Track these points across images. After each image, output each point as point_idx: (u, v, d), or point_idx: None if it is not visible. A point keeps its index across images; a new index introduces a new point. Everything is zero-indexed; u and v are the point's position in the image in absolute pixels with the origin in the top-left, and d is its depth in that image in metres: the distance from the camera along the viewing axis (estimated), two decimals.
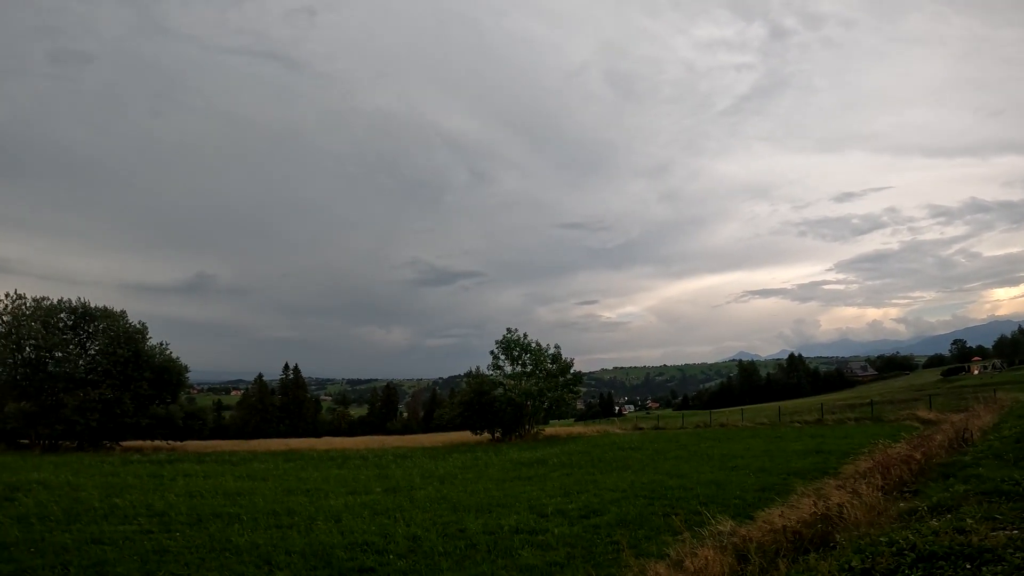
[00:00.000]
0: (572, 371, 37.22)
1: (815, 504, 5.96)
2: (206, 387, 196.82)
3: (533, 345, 37.04)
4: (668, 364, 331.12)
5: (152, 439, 31.21)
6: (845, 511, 5.52)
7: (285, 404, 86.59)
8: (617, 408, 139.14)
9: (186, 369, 33.25)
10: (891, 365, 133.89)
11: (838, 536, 4.92)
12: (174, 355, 32.68)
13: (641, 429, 37.50)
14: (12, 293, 29.81)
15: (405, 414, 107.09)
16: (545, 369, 36.33)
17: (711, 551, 4.98)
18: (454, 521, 9.90)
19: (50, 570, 6.73)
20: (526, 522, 9.64)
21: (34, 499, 10.97)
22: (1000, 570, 3.43)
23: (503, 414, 34.06)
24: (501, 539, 8.60)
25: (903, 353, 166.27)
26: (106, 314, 31.33)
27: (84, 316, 30.89)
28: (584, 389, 53.23)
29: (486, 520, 9.90)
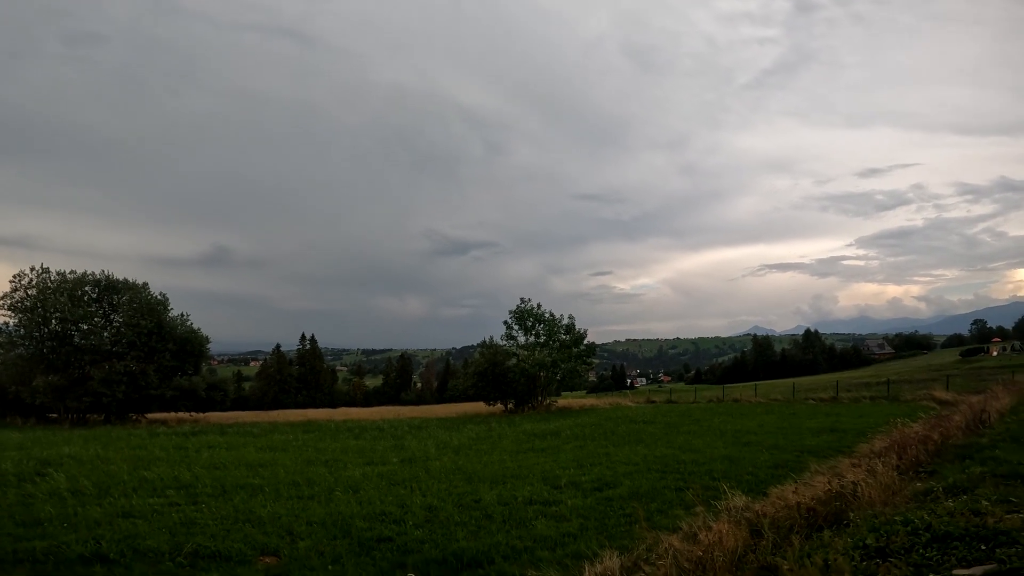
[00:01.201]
0: (585, 342, 37.22)
1: (829, 482, 5.98)
2: (226, 358, 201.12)
3: (547, 315, 36.99)
4: (681, 337, 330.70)
5: (176, 411, 32.02)
6: (860, 490, 5.53)
7: (302, 375, 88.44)
8: (629, 381, 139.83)
9: (207, 340, 33.79)
10: (909, 344, 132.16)
11: (852, 515, 4.94)
12: (195, 326, 33.33)
13: (654, 402, 37.69)
14: (38, 267, 30.38)
15: (419, 384, 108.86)
16: (559, 340, 36.34)
17: (725, 525, 5.03)
18: (469, 492, 10.09)
19: (83, 544, 6.89)
20: (540, 493, 9.81)
21: (66, 474, 11.23)
22: (1014, 552, 3.41)
23: (516, 385, 34.29)
24: (515, 510, 8.77)
25: (923, 332, 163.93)
26: (129, 286, 31.87)
27: (108, 288, 31.44)
28: (597, 361, 53.44)
29: (500, 491, 10.09)
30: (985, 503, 4.44)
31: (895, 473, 6.44)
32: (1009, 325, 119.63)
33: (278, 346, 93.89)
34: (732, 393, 39.61)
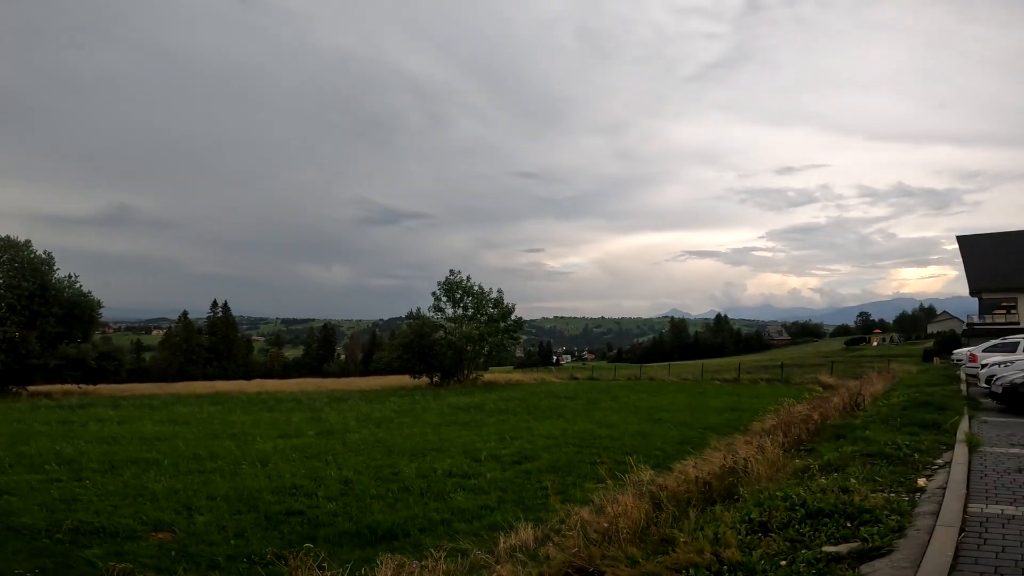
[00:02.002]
0: (513, 317, 37.64)
1: (725, 458, 6.48)
2: (123, 326, 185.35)
3: (476, 288, 36.96)
4: (606, 316, 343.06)
5: (63, 382, 29.24)
6: (750, 465, 6.01)
7: (213, 344, 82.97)
8: (555, 357, 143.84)
9: (99, 305, 31.11)
10: (804, 331, 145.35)
11: (742, 489, 5.37)
12: (85, 289, 30.36)
13: (576, 379, 39.05)
14: None
15: (343, 356, 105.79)
16: (487, 313, 36.47)
17: (630, 498, 5.30)
18: (388, 465, 10.04)
19: None
20: (460, 466, 9.93)
21: None
22: (876, 531, 3.82)
23: (443, 358, 34.22)
24: (435, 483, 8.84)
25: (816, 321, 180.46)
26: (7, 243, 28.40)
27: None
28: (524, 336, 54.37)
29: (420, 464, 10.12)
30: (853, 481, 4.95)
31: (780, 450, 7.06)
32: (890, 318, 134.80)
33: (185, 313, 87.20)
34: (649, 372, 41.91)
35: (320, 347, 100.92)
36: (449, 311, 36.67)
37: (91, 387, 29.86)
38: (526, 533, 6.00)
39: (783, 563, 3.40)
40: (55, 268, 29.53)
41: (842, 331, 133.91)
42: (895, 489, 4.98)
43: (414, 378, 35.50)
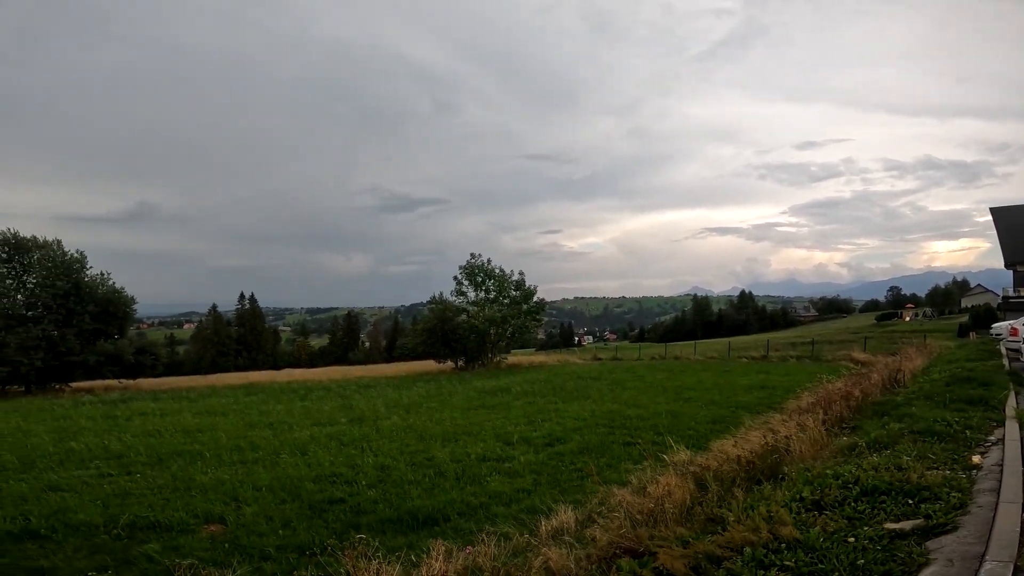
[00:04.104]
0: (535, 298, 37.56)
1: (764, 436, 6.37)
2: (156, 321, 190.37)
3: (497, 271, 36.82)
4: (627, 296, 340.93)
5: (102, 378, 30.27)
6: (792, 444, 5.92)
7: (242, 336, 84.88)
8: (577, 339, 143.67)
9: (133, 301, 31.85)
10: (831, 307, 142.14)
11: (786, 468, 5.29)
12: (118, 286, 31.14)
13: (600, 360, 38.95)
14: None
15: (367, 343, 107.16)
16: (509, 296, 36.37)
17: (673, 478, 5.27)
18: (421, 450, 10.14)
19: (11, 522, 6.57)
20: (492, 450, 9.98)
21: None
22: (938, 508, 3.74)
23: (466, 342, 34.32)
24: (469, 467, 8.89)
25: (843, 296, 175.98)
26: (39, 244, 29.24)
27: (17, 247, 28.78)
28: (546, 318, 54.26)
29: (453, 448, 10.20)
30: (906, 459, 4.83)
31: (822, 428, 6.93)
32: (922, 293, 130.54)
33: (214, 306, 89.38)
34: (674, 351, 41.52)
35: (344, 335, 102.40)
36: (471, 295, 36.65)
37: (131, 382, 30.89)
38: (566, 516, 6.02)
39: (851, 539, 3.36)
40: (88, 267, 30.32)
41: (872, 306, 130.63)
42: (950, 467, 4.85)
43: (438, 363, 35.79)
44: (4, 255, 28.62)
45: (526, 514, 6.61)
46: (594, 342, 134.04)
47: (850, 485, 4.24)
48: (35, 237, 29.59)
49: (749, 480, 5.27)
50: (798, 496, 4.19)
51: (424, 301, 46.52)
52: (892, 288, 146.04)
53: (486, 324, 34.22)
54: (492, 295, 36.51)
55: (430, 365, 36.31)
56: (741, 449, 6.21)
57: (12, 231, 29.04)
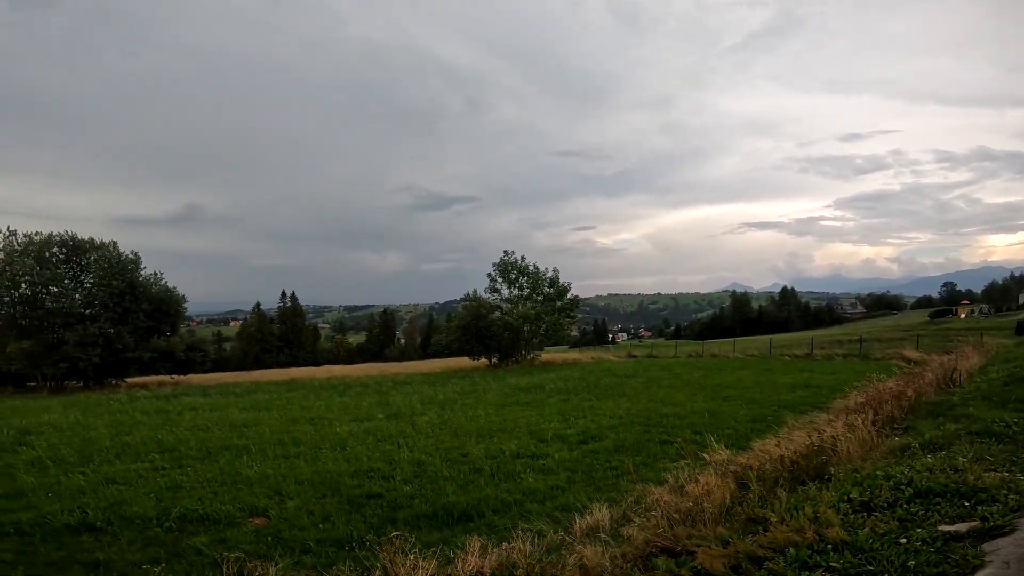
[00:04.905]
0: (569, 295, 37.35)
1: (809, 436, 6.14)
2: (204, 319, 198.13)
3: (531, 268, 36.82)
4: (662, 293, 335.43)
5: (155, 373, 31.65)
6: (839, 445, 5.69)
7: (284, 333, 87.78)
8: (611, 336, 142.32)
9: (183, 299, 33.08)
10: (880, 304, 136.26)
11: (833, 469, 5.09)
12: (170, 285, 32.52)
13: (635, 357, 38.44)
14: (4, 230, 29.09)
15: (402, 340, 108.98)
16: (543, 293, 36.33)
17: (713, 477, 5.15)
18: (456, 446, 10.19)
19: (69, 514, 6.75)
20: (527, 447, 9.96)
21: (46, 442, 11.02)
22: (996, 510, 3.54)
23: (500, 339, 34.46)
24: (503, 464, 8.89)
25: (893, 292, 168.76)
26: (96, 245, 30.79)
27: (76, 249, 30.35)
28: (580, 315, 53.93)
29: (487, 445, 10.22)
30: (962, 460, 4.59)
31: (872, 428, 6.63)
32: (978, 289, 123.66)
33: (258, 305, 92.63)
34: (711, 349, 40.55)
35: (380, 332, 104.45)
36: (505, 292, 36.77)
37: (182, 377, 32.23)
38: (601, 513, 5.96)
39: (902, 541, 3.23)
40: (142, 267, 31.70)
41: (924, 303, 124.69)
42: (1008, 468, 4.58)
43: (472, 360, 36.04)
44: (63, 256, 30.14)
45: (560, 512, 6.56)
46: (628, 339, 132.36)
47: (902, 486, 4.05)
48: (92, 239, 31.13)
49: (793, 481, 5.09)
50: (846, 497, 4.03)
51: (458, 298, 46.96)
52: (946, 284, 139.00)
53: (520, 321, 34.24)
54: (526, 292, 36.51)
55: (464, 362, 36.58)
56: (784, 449, 6.01)
57: (70, 233, 30.70)
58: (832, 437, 5.92)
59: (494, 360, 35.46)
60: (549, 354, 40.24)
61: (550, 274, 37.10)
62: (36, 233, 29.92)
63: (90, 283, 30.10)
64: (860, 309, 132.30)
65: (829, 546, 3.27)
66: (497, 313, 35.23)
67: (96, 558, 5.59)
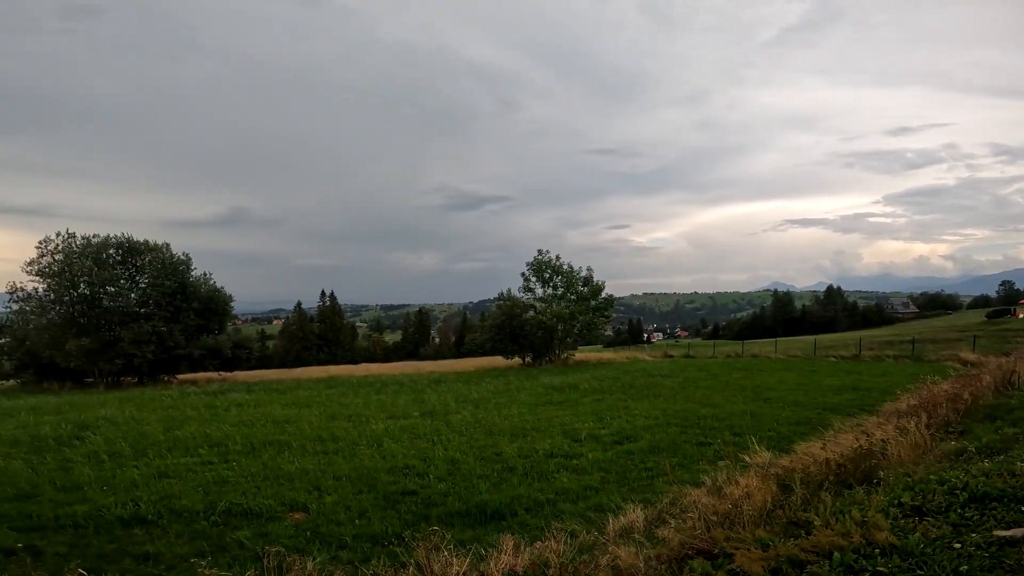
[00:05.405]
0: (603, 295, 37.00)
1: (857, 439, 5.88)
2: (249, 317, 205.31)
3: (565, 267, 36.59)
4: (699, 292, 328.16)
5: (204, 370, 32.93)
6: (889, 448, 5.43)
7: (323, 332, 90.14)
8: (646, 335, 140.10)
9: (231, 299, 34.27)
10: (934, 303, 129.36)
11: (882, 473, 4.86)
12: (218, 285, 33.79)
13: (671, 357, 37.70)
14: (63, 232, 30.67)
15: (437, 339, 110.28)
16: (577, 292, 36.08)
17: (753, 479, 5.00)
18: (490, 445, 10.23)
19: (122, 507, 6.97)
20: (560, 446, 9.92)
21: (103, 436, 11.49)
22: None
23: (534, 338, 34.37)
24: (536, 463, 8.88)
25: (948, 291, 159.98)
26: (150, 247, 32.24)
27: (131, 250, 31.82)
28: (614, 315, 53.25)
29: (521, 444, 10.22)
30: (1020, 464, 4.32)
31: (926, 432, 6.30)
32: None
33: (299, 304, 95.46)
34: (751, 349, 39.35)
35: (416, 331, 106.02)
36: (539, 291, 36.66)
37: (228, 374, 33.46)
38: (635, 514, 5.88)
39: (955, 546, 3.10)
40: (192, 267, 32.99)
41: (981, 302, 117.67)
42: None
43: (506, 359, 36.11)
44: (119, 257, 31.65)
45: (593, 512, 6.51)
46: (664, 339, 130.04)
47: (956, 491, 3.85)
48: (147, 240, 32.64)
49: (839, 484, 4.89)
50: (896, 501, 3.85)
51: (492, 298, 47.15)
52: (1004, 282, 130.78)
53: (554, 320, 34.12)
54: (560, 291, 36.34)
55: (498, 361, 36.69)
56: (830, 452, 5.78)
57: (126, 235, 32.29)
58: (882, 440, 5.65)
59: (528, 359, 35.44)
60: (583, 354, 39.91)
61: (584, 273, 36.82)
62: (94, 235, 31.45)
63: (145, 283, 31.50)
64: (912, 309, 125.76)
65: (876, 550, 3.15)
66: (531, 312, 35.19)
67: (146, 551, 5.77)
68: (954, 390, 8.53)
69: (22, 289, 29.88)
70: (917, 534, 3.28)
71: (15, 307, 30.24)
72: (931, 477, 4.22)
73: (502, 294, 38.09)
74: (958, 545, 3.13)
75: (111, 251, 31.38)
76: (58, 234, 30.45)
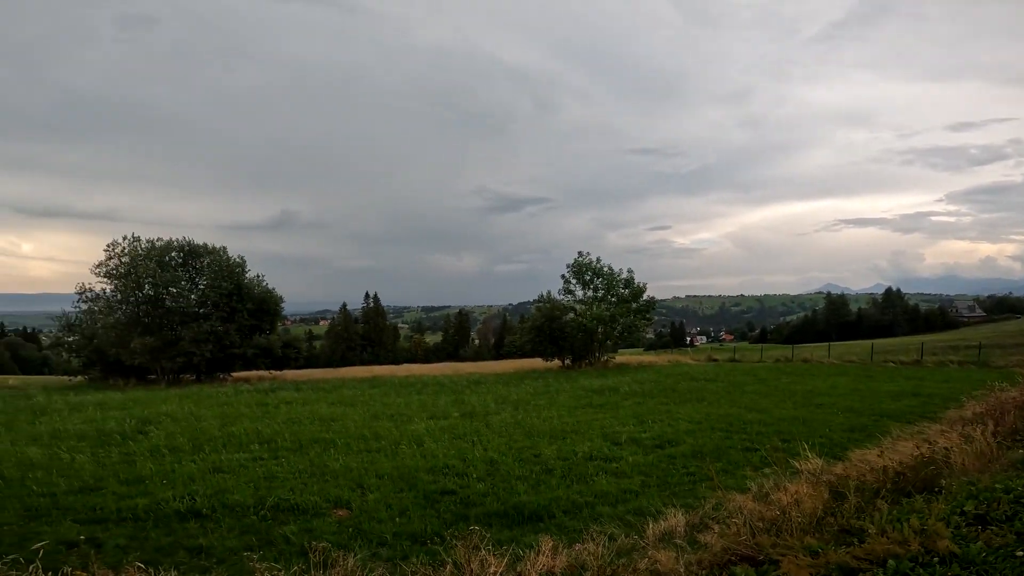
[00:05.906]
0: (645, 297, 36.44)
1: (918, 447, 5.56)
2: (297, 318, 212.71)
3: (605, 269, 36.20)
4: (746, 294, 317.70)
5: (256, 368, 34.32)
6: (952, 456, 5.10)
7: (367, 333, 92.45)
8: (688, 339, 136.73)
9: (281, 300, 35.55)
10: (1002, 306, 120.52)
11: (944, 481, 4.57)
12: (270, 286, 35.21)
13: (715, 361, 36.68)
14: (130, 236, 32.70)
15: (477, 341, 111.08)
16: (617, 294, 35.66)
17: (804, 486, 4.81)
18: (529, 446, 10.23)
19: (179, 501, 7.18)
20: (600, 449, 9.84)
21: (164, 431, 12.08)
22: None
23: (573, 340, 34.14)
24: (575, 465, 8.83)
25: (1017, 294, 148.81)
26: (209, 250, 33.92)
27: (191, 253, 33.57)
28: (656, 317, 52.23)
29: (560, 446, 10.19)
30: None
31: (992, 440, 5.89)
32: None
33: (344, 305, 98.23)
34: (802, 353, 37.79)
35: (456, 333, 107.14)
36: (579, 293, 36.38)
37: (278, 373, 34.73)
38: (676, 519, 5.76)
39: (1019, 554, 2.95)
40: (247, 269, 34.43)
41: None
42: None
43: (545, 361, 35.98)
44: (180, 260, 33.38)
45: (633, 515, 6.42)
46: (708, 342, 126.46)
47: (1023, 500, 3.58)
48: (206, 244, 34.36)
49: (896, 492, 4.63)
50: (959, 510, 3.64)
51: (531, 300, 47.10)
52: None
53: (594, 323, 33.80)
54: (600, 293, 35.98)
55: (537, 363, 36.62)
56: (888, 459, 5.47)
57: (187, 239, 34.10)
58: (944, 448, 5.32)
59: (567, 361, 35.21)
60: (624, 356, 39.35)
61: (625, 275, 36.31)
62: (157, 239, 33.37)
63: (203, 284, 33.09)
64: (979, 312, 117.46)
65: (935, 558, 3.01)
66: (571, 315, 34.98)
67: (199, 544, 5.98)
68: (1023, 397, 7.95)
69: (90, 290, 31.88)
70: (979, 543, 3.11)
71: (84, 307, 32.25)
72: (996, 486, 3.96)
73: (542, 296, 38.04)
74: (1020, 553, 2.98)
75: (173, 254, 33.07)
76: (124, 238, 32.29)
